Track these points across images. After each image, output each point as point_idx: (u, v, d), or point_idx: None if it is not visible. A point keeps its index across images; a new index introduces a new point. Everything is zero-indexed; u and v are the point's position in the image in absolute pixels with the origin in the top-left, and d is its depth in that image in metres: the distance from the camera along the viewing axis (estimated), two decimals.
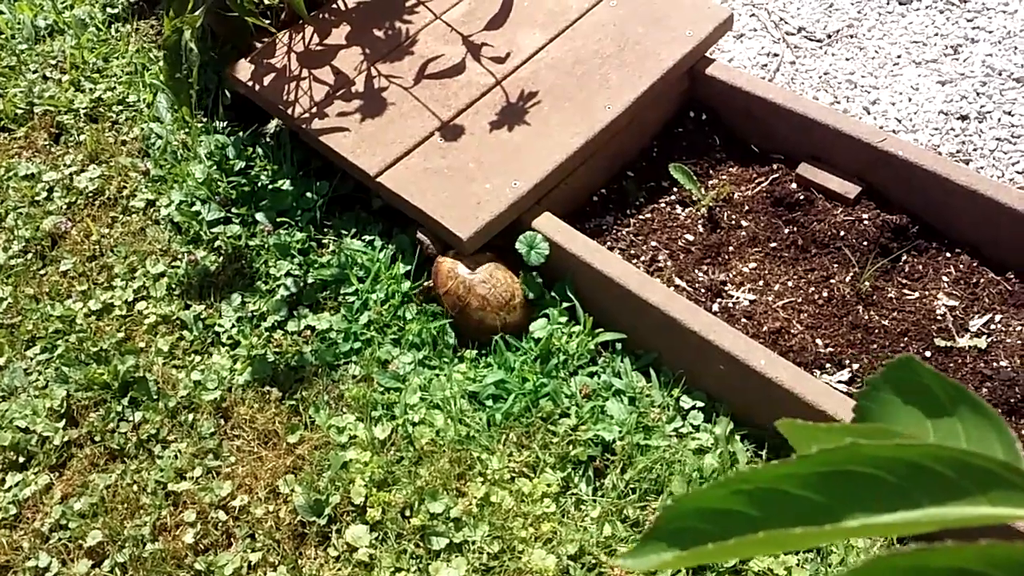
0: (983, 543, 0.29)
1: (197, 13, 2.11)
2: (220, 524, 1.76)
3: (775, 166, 2.11)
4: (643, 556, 0.35)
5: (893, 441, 0.33)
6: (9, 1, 2.99)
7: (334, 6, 2.46)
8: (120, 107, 2.61)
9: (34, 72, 2.74)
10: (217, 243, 2.21)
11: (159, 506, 1.79)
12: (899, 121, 2.29)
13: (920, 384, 0.41)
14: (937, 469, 0.32)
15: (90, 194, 2.39)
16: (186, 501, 1.80)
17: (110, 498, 1.81)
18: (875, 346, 1.79)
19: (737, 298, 1.92)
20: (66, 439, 1.91)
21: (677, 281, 1.95)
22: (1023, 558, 0.29)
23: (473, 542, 1.66)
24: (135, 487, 1.83)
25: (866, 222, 1.95)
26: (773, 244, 1.99)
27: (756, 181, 2.10)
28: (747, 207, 2.06)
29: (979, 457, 0.32)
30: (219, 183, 2.29)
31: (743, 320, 1.87)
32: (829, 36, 2.54)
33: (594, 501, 1.71)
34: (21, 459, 1.89)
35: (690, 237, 2.03)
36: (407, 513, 1.71)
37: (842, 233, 1.95)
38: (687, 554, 0.34)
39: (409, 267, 2.06)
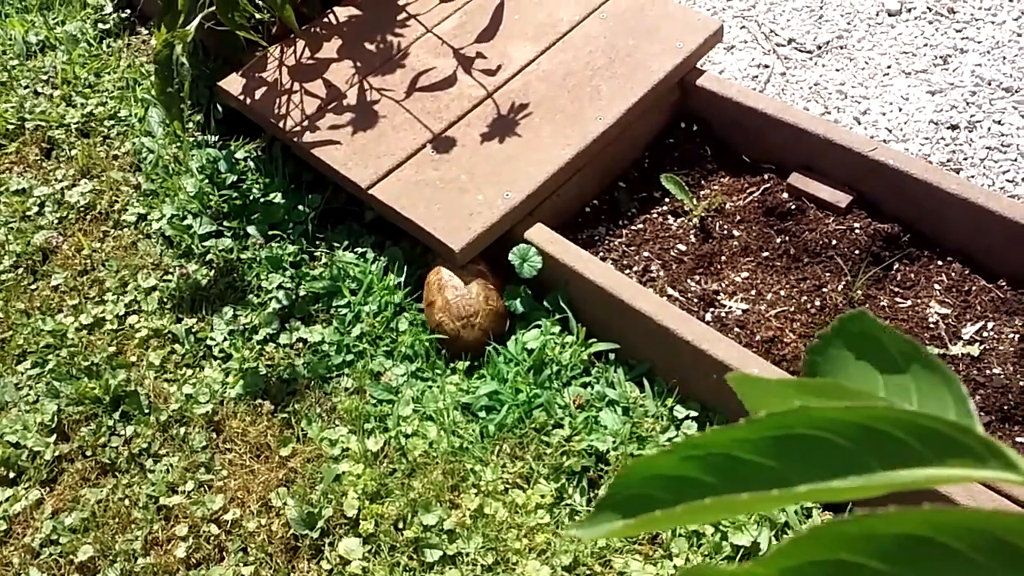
0: (927, 508, 0.29)
1: (189, 28, 2.11)
2: (212, 538, 1.75)
3: (766, 176, 2.11)
4: (594, 526, 0.34)
5: (843, 403, 0.32)
6: (0, 17, 2.99)
7: (325, 20, 2.47)
8: (111, 122, 2.61)
9: (25, 88, 2.74)
10: (209, 256, 2.21)
11: (151, 520, 1.77)
12: (890, 131, 2.29)
13: (872, 339, 0.40)
14: (888, 431, 0.32)
15: (81, 208, 2.38)
16: (178, 515, 1.79)
17: (101, 513, 1.80)
18: None
19: (730, 308, 1.92)
20: (57, 454, 1.90)
21: (670, 291, 1.95)
22: (967, 523, 0.29)
23: (467, 554, 1.65)
24: (126, 501, 1.81)
25: (858, 231, 1.95)
26: (765, 253, 1.99)
27: (748, 191, 2.10)
28: (739, 217, 2.06)
29: (930, 419, 0.32)
30: (211, 197, 2.29)
31: (736, 329, 1.87)
32: (819, 47, 2.55)
33: (588, 512, 1.70)
34: (11, 474, 1.88)
35: (682, 247, 2.03)
36: (400, 525, 1.70)
37: (834, 242, 1.95)
38: (636, 521, 0.34)
39: (400, 279, 2.06)
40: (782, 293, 1.92)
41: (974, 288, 1.88)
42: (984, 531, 0.29)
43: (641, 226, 2.10)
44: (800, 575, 0.30)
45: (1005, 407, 1.67)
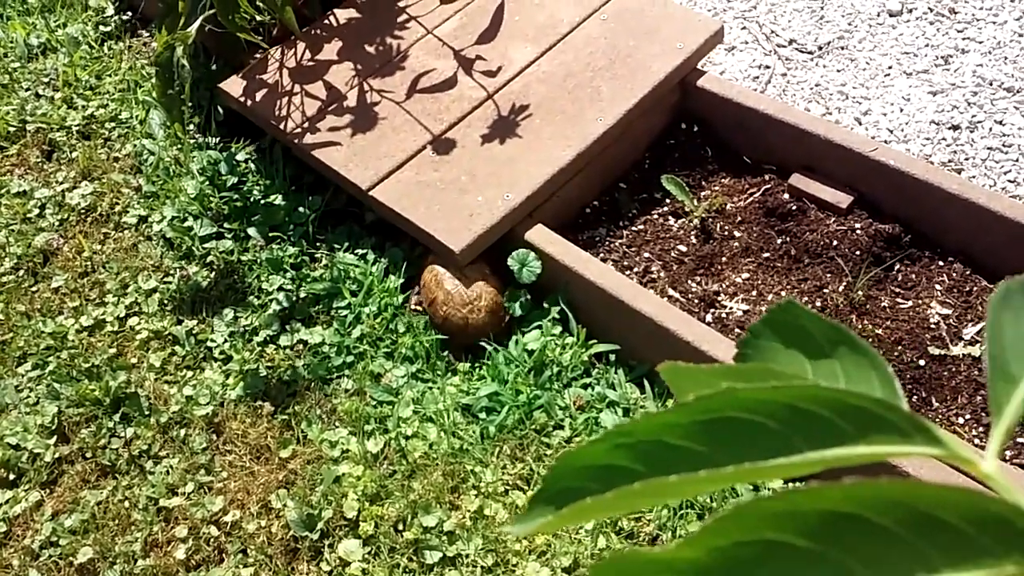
0: (848, 482, 0.29)
1: (189, 30, 2.11)
2: (212, 540, 1.74)
3: (767, 177, 2.11)
4: (527, 521, 0.34)
5: (769, 384, 0.32)
6: (2, 20, 2.99)
7: (326, 22, 2.47)
8: (113, 124, 2.61)
9: (27, 90, 2.74)
10: (209, 258, 2.21)
11: (150, 522, 1.77)
12: (891, 131, 2.29)
13: (799, 327, 0.40)
14: (814, 411, 0.32)
15: (82, 211, 2.38)
16: (178, 517, 1.78)
17: (101, 514, 1.80)
18: None
19: (731, 308, 1.92)
20: (57, 455, 1.90)
21: (670, 292, 1.94)
22: (889, 496, 0.29)
23: (467, 555, 1.65)
24: (126, 503, 1.81)
25: (859, 231, 1.95)
26: (766, 254, 1.99)
27: (748, 192, 2.10)
28: (740, 218, 2.06)
29: (855, 396, 0.32)
30: (211, 198, 2.29)
31: (737, 330, 1.86)
32: (820, 48, 2.54)
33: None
34: (11, 476, 1.88)
35: (683, 248, 2.03)
36: (400, 527, 1.70)
37: (835, 243, 1.95)
38: (566, 512, 0.34)
39: (402, 280, 2.06)
40: (783, 294, 1.92)
41: (975, 288, 1.87)
42: (905, 504, 0.28)
43: (642, 227, 2.09)
44: (727, 555, 0.30)
45: None
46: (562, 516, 0.34)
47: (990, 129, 2.25)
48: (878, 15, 2.60)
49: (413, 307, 2.05)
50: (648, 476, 0.33)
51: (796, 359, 0.40)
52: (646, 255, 2.03)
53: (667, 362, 0.42)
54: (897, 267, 1.92)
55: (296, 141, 2.20)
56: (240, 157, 2.38)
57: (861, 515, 0.29)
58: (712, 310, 1.92)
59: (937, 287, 1.88)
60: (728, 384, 0.33)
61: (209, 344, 2.05)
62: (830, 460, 0.32)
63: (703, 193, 2.13)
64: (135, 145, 2.51)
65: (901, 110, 2.33)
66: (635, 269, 2.00)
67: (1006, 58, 2.41)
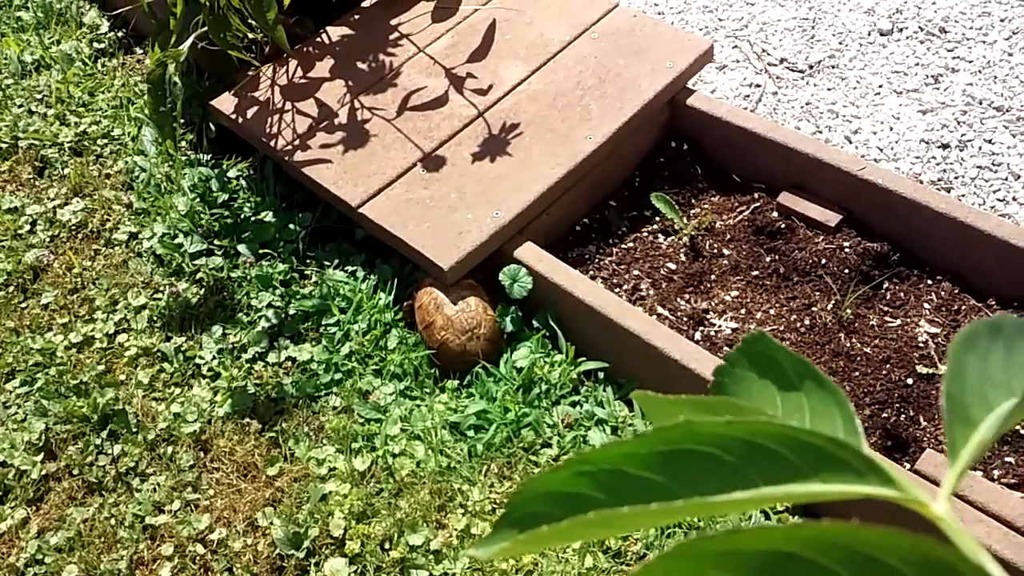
0: (791, 523, 0.29)
1: (182, 47, 2.12)
2: (198, 558, 1.74)
3: (756, 195, 2.11)
4: (491, 545, 0.34)
5: (725, 418, 0.32)
6: None
7: (318, 40, 2.48)
8: (105, 141, 2.62)
9: (19, 106, 2.75)
10: (199, 275, 2.21)
11: (136, 540, 1.76)
12: (881, 150, 2.30)
13: (771, 359, 0.41)
14: (770, 447, 0.32)
15: (73, 227, 2.38)
16: (164, 535, 1.78)
17: (87, 532, 1.79)
18: (857, 373, 1.78)
19: (719, 326, 1.92)
20: (44, 473, 1.89)
21: (659, 310, 1.94)
22: (831, 538, 0.29)
23: (453, 574, 1.64)
24: (112, 521, 1.80)
25: (847, 250, 1.95)
26: (755, 272, 1.99)
27: (738, 210, 2.10)
28: (729, 236, 2.06)
29: (810, 434, 0.32)
30: (202, 215, 2.29)
31: (725, 348, 1.86)
32: (811, 67, 2.55)
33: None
34: None
35: (672, 266, 2.03)
36: (387, 546, 1.69)
37: (823, 261, 1.95)
38: (525, 537, 0.34)
39: (390, 298, 2.06)
40: (772, 312, 1.92)
41: (964, 307, 1.87)
42: (848, 546, 0.29)
43: (631, 245, 2.10)
44: None
45: None
46: (520, 542, 0.34)
47: (979, 148, 2.26)
48: (869, 34, 2.61)
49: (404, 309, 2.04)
50: (608, 504, 0.33)
51: (768, 390, 0.41)
52: (635, 273, 2.03)
53: (638, 391, 0.43)
54: (885, 285, 1.92)
55: (287, 158, 2.20)
56: (231, 174, 2.38)
57: (805, 556, 0.29)
58: (701, 328, 1.91)
59: (925, 306, 1.88)
60: (686, 416, 0.34)
61: (198, 361, 2.05)
62: (784, 496, 0.32)
63: (692, 211, 2.14)
64: (127, 162, 2.52)
65: (891, 129, 2.34)
66: (624, 287, 2.00)
67: (995, 77, 2.42)
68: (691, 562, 0.29)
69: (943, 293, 1.89)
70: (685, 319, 1.92)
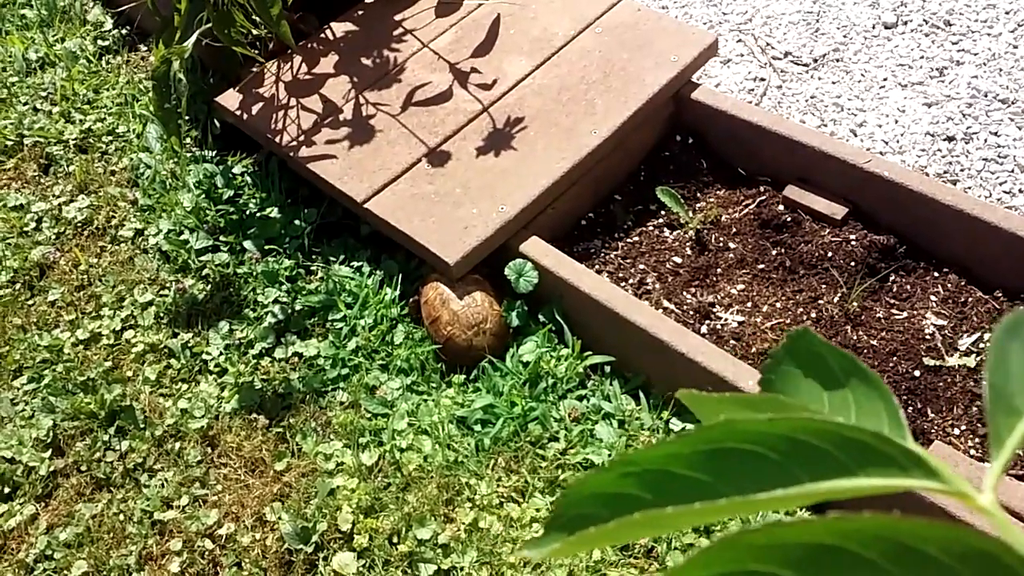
0: (832, 516, 0.29)
1: (186, 44, 2.12)
2: (206, 553, 1.74)
3: (762, 188, 2.11)
4: (542, 546, 0.35)
5: (767, 416, 0.33)
6: (1, 34, 3.00)
7: (322, 36, 2.48)
8: (110, 138, 2.62)
9: (24, 104, 2.75)
10: (205, 271, 2.21)
11: (145, 535, 1.77)
12: (886, 143, 2.29)
13: (817, 356, 0.41)
14: (813, 443, 0.33)
15: (79, 224, 2.39)
16: (172, 530, 1.78)
17: (96, 528, 1.79)
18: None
19: (725, 320, 1.92)
20: (52, 469, 1.89)
21: (665, 304, 1.94)
22: (873, 530, 0.29)
23: (461, 568, 1.65)
24: (121, 516, 1.81)
25: (853, 243, 1.95)
26: (761, 266, 1.99)
27: (743, 203, 2.10)
28: (735, 229, 2.06)
29: (853, 429, 0.32)
30: (207, 212, 2.29)
31: (732, 342, 1.86)
32: (815, 60, 2.55)
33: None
34: (7, 489, 1.88)
35: (678, 260, 2.03)
36: (394, 540, 1.70)
37: (830, 254, 1.95)
38: (574, 539, 0.34)
39: (396, 292, 2.06)
40: (778, 305, 1.92)
41: (970, 299, 1.87)
42: (889, 538, 0.29)
43: (637, 239, 2.10)
44: None
45: None
46: (571, 543, 0.35)
47: (985, 140, 2.25)
48: (873, 27, 2.60)
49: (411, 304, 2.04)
50: (655, 504, 0.34)
51: (814, 388, 0.41)
52: (641, 267, 2.03)
53: (683, 390, 0.44)
54: (892, 278, 1.92)
55: (292, 154, 2.20)
56: (236, 170, 2.38)
57: (846, 548, 0.29)
58: (707, 321, 1.91)
59: (932, 298, 1.88)
60: (728, 415, 0.34)
61: (204, 357, 2.05)
62: (829, 492, 0.33)
63: (698, 205, 2.14)
64: (132, 159, 2.52)
65: (896, 122, 2.34)
66: (630, 281, 2.01)
67: (1001, 70, 2.41)
68: (732, 555, 0.30)
69: (949, 285, 1.89)
70: (691, 313, 1.92)
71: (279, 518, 1.75)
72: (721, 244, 2.04)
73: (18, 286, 2.27)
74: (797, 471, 0.32)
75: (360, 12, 2.53)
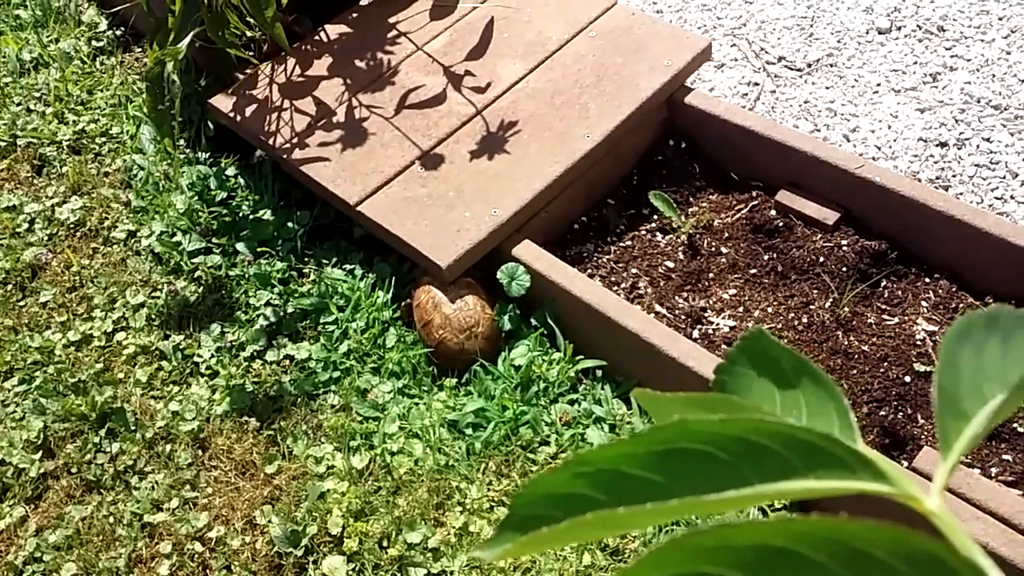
0: (781, 517, 0.29)
1: (180, 46, 2.12)
2: (196, 556, 1.74)
3: (754, 193, 2.11)
4: (494, 547, 0.35)
5: (718, 416, 0.33)
6: None
7: (316, 38, 2.48)
8: (103, 139, 2.62)
9: (18, 105, 2.75)
10: (197, 273, 2.21)
11: (135, 538, 1.77)
12: (879, 148, 2.30)
13: (770, 356, 0.41)
14: (764, 444, 0.33)
15: (71, 225, 2.38)
16: (162, 533, 1.78)
17: (85, 530, 1.79)
18: (855, 371, 1.78)
19: (717, 324, 1.92)
20: (42, 471, 1.89)
21: (657, 308, 1.94)
22: (821, 532, 0.29)
23: (451, 572, 1.64)
24: (111, 519, 1.81)
25: (845, 248, 1.95)
26: (753, 270, 1.99)
27: (736, 208, 2.10)
28: (727, 234, 2.06)
29: (803, 431, 0.32)
30: (200, 213, 2.29)
31: (723, 346, 1.86)
32: (809, 65, 2.55)
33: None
34: None
35: (670, 264, 2.03)
36: (384, 543, 1.69)
37: (821, 259, 1.95)
38: (526, 539, 0.34)
39: (389, 296, 2.06)
40: (769, 310, 1.92)
41: (961, 305, 1.87)
42: (837, 540, 0.29)
43: (629, 243, 2.10)
44: None
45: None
46: (522, 543, 0.35)
47: (977, 146, 2.26)
48: (867, 33, 2.61)
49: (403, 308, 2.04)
50: (608, 504, 0.34)
51: (767, 388, 0.41)
52: (633, 271, 2.03)
53: (638, 389, 0.44)
54: (883, 283, 1.92)
55: (285, 156, 2.20)
56: (229, 172, 2.38)
57: (795, 550, 0.29)
58: (699, 326, 1.92)
59: (923, 304, 1.88)
60: (681, 415, 0.34)
61: (196, 359, 2.05)
62: (778, 493, 0.33)
63: (691, 209, 2.14)
64: (125, 160, 2.52)
65: (889, 127, 2.34)
66: (622, 285, 2.01)
67: (994, 76, 2.42)
68: (682, 556, 0.29)
69: (941, 291, 1.90)
70: (683, 317, 1.92)
71: (269, 521, 1.74)
72: (713, 249, 2.04)
73: (10, 287, 2.26)
74: (747, 472, 0.32)
75: (354, 14, 2.53)
